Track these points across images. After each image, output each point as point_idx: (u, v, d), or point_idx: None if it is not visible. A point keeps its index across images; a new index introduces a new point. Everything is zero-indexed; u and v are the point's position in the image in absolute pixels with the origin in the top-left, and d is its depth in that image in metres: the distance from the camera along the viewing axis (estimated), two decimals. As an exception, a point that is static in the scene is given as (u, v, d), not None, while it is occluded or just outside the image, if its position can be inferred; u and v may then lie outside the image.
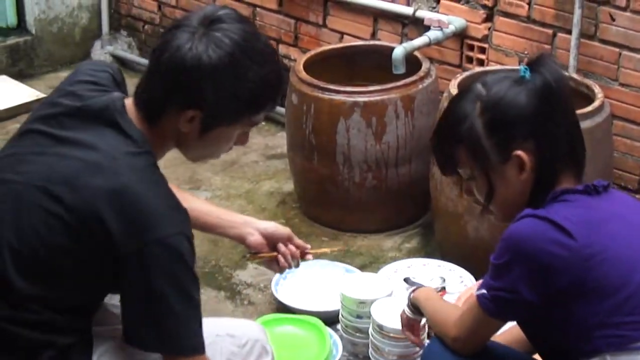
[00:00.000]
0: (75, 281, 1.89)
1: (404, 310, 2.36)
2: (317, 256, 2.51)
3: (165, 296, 1.83)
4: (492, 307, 1.92)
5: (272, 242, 2.37)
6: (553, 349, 2.00)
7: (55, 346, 1.92)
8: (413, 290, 2.30)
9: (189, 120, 1.90)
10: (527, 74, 1.92)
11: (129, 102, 1.96)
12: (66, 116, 1.91)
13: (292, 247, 2.38)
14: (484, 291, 1.93)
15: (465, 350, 2.04)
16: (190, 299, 1.87)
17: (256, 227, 2.37)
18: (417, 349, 2.63)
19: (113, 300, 2.19)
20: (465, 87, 2.05)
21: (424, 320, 2.38)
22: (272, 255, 2.37)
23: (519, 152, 1.91)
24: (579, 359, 1.93)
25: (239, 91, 1.88)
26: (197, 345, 1.90)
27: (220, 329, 2.15)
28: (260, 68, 1.90)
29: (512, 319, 2.02)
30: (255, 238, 2.36)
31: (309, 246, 2.42)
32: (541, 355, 2.06)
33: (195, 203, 2.36)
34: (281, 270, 2.40)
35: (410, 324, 2.39)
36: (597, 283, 1.85)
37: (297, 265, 2.41)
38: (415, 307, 2.29)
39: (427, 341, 2.49)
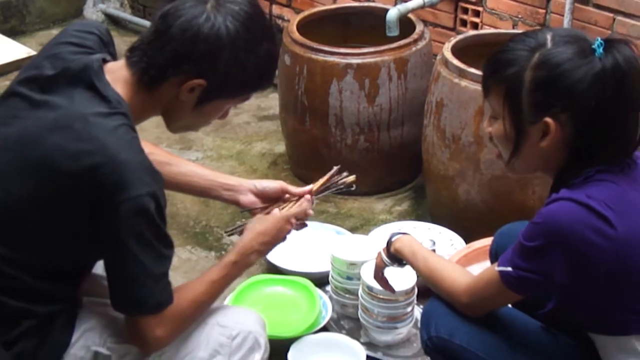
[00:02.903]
0: (48, 243, 1.88)
1: (380, 258, 2.32)
2: (318, 192, 2.42)
3: (131, 256, 1.83)
4: (516, 285, 1.91)
5: (265, 199, 2.36)
6: (562, 320, 2.02)
7: (35, 315, 1.91)
8: (391, 239, 2.28)
9: (190, 90, 1.89)
10: (600, 51, 1.82)
11: (113, 64, 1.94)
12: (46, 79, 1.90)
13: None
14: (508, 269, 1.89)
15: (476, 314, 2.05)
16: (159, 256, 1.87)
17: (248, 188, 2.36)
18: (408, 309, 2.65)
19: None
20: (534, 30, 1.94)
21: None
22: (267, 207, 2.34)
23: (549, 120, 1.83)
24: (592, 333, 1.97)
25: (248, 64, 1.89)
26: (160, 303, 1.90)
27: (210, 318, 2.08)
28: (269, 44, 1.93)
29: (534, 296, 1.99)
30: (247, 198, 2.35)
31: (307, 188, 2.38)
32: (539, 319, 2.08)
33: (186, 167, 2.35)
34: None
35: (383, 276, 2.38)
36: (632, 271, 1.84)
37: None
38: (395, 258, 2.27)
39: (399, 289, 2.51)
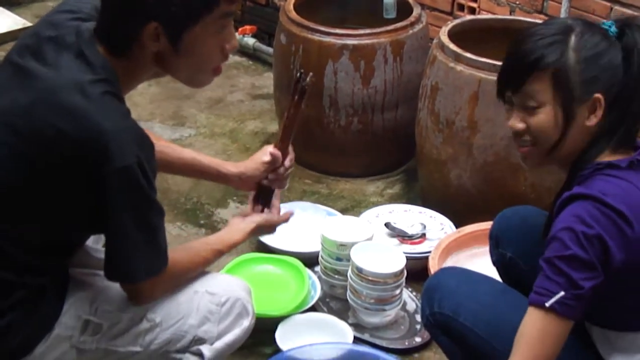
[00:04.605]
0: (41, 217, 1.88)
1: None
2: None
3: (120, 226, 1.84)
4: (574, 307, 1.79)
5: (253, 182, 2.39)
6: None
7: (26, 287, 1.91)
8: None
9: (154, 38, 1.85)
10: (612, 30, 1.89)
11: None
12: (38, 47, 1.89)
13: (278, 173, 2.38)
14: (560, 295, 1.78)
15: None
16: (147, 228, 1.88)
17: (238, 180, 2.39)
18: (396, 292, 2.65)
19: (97, 245, 2.19)
20: (550, 20, 1.98)
21: None
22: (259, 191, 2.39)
23: (599, 95, 1.87)
24: (596, 327, 1.96)
25: None
26: (151, 269, 1.93)
27: (199, 285, 2.11)
28: None
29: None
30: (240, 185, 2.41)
31: (287, 162, 2.39)
32: None
33: (183, 153, 2.38)
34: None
35: None
36: None
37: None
38: None
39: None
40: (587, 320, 1.98)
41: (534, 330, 1.83)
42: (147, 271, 1.92)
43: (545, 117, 1.90)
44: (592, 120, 1.89)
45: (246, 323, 2.14)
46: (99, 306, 2.01)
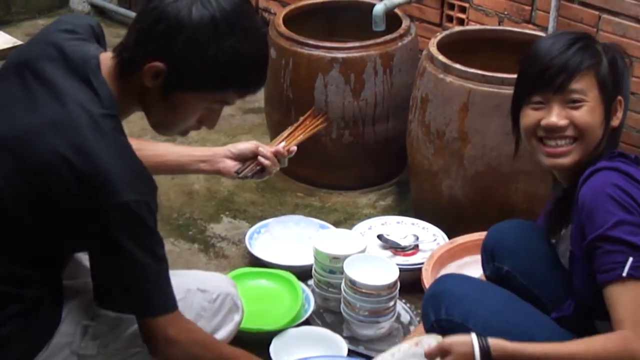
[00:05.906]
0: (35, 237, 1.88)
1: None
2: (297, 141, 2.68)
3: (129, 257, 1.84)
4: None
5: (242, 160, 2.51)
6: (578, 320, 2.03)
7: (22, 300, 1.92)
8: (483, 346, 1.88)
9: (154, 76, 1.85)
10: None
11: (105, 56, 1.92)
12: (42, 66, 1.88)
13: (268, 150, 2.53)
14: (630, 260, 1.81)
15: None
16: (155, 258, 1.88)
17: (224, 155, 2.49)
18: (390, 304, 2.65)
19: (85, 254, 2.19)
20: (564, 31, 2.17)
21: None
22: (255, 163, 2.53)
23: (621, 98, 2.02)
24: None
25: (208, 57, 1.83)
26: (167, 304, 1.92)
27: (191, 284, 2.15)
28: (239, 43, 1.84)
29: None
30: (226, 164, 2.49)
31: (280, 146, 2.57)
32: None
33: (158, 147, 2.45)
34: (270, 171, 2.55)
35: None
36: None
37: (285, 165, 2.60)
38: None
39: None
40: (595, 318, 1.99)
41: (628, 304, 1.82)
42: (164, 305, 1.92)
43: (591, 110, 1.98)
44: (615, 122, 2.02)
45: (237, 317, 2.22)
46: (96, 311, 2.03)
